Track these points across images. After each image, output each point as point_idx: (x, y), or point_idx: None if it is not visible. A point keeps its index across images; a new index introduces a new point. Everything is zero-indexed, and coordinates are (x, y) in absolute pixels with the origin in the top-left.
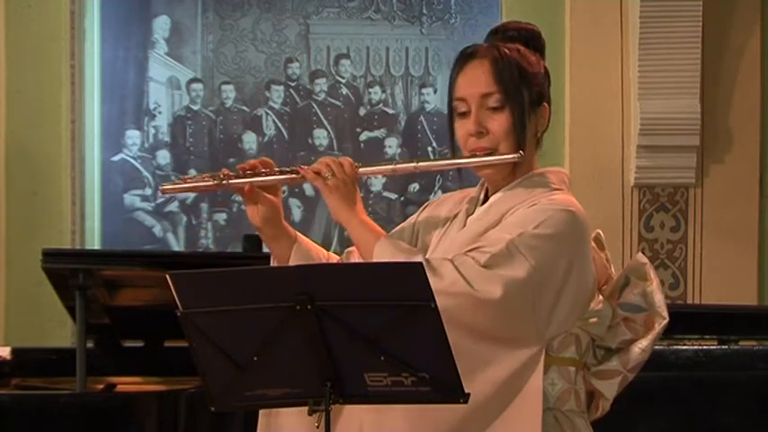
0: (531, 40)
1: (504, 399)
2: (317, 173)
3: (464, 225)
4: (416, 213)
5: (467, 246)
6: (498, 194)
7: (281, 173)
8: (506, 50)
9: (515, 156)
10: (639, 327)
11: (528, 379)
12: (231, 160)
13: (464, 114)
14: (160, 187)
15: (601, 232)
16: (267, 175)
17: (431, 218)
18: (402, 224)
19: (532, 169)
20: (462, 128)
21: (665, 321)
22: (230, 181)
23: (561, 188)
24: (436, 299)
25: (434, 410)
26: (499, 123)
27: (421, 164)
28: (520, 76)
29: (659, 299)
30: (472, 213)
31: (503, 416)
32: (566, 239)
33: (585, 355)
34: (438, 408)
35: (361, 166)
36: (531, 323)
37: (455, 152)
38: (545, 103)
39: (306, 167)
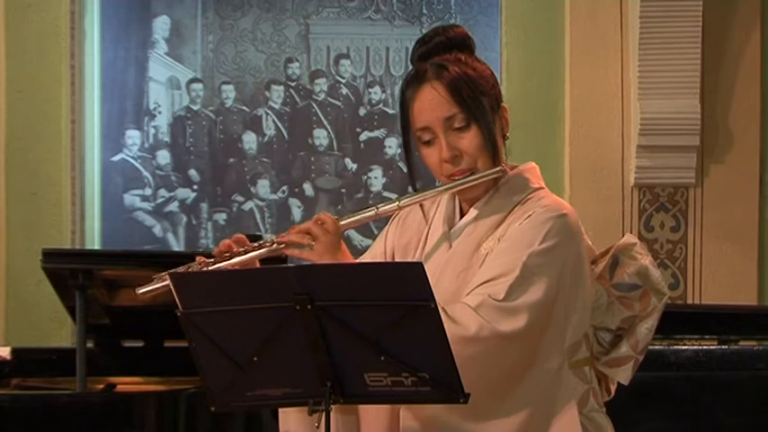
0: (462, 43)
1: (542, 422)
2: (298, 243)
3: (450, 244)
4: (383, 232)
5: (464, 267)
6: (479, 206)
7: (261, 246)
8: (454, 67)
9: (498, 170)
10: (635, 302)
11: (558, 391)
12: (231, 160)
13: (429, 142)
14: (137, 290)
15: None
16: (246, 253)
17: (401, 237)
18: (372, 248)
19: (505, 173)
20: (433, 155)
21: (666, 297)
22: (209, 269)
23: (540, 185)
24: (462, 348)
25: None
26: (470, 142)
27: (404, 201)
28: (475, 87)
29: (656, 275)
30: (452, 228)
31: None
32: (567, 246)
33: (591, 347)
34: None
35: (342, 219)
36: (553, 337)
37: (414, 180)
38: (503, 105)
39: (286, 237)
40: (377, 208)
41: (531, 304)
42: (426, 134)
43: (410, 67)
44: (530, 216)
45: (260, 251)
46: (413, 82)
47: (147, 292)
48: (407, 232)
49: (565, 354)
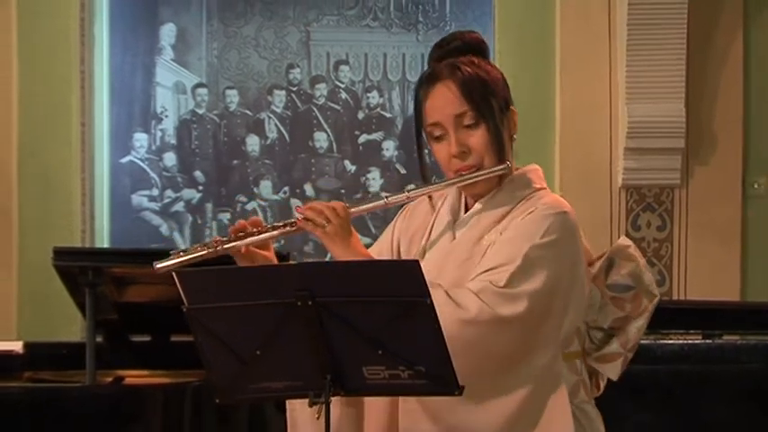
0: (476, 48)
1: (535, 408)
2: (312, 221)
3: (453, 236)
4: (391, 224)
5: (466, 257)
6: (484, 201)
7: (274, 228)
8: (467, 68)
9: (503, 167)
10: (628, 304)
11: (552, 379)
12: (235, 162)
13: (440, 138)
14: (154, 265)
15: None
16: (261, 233)
17: (408, 228)
18: (380, 240)
19: (510, 173)
20: (442, 150)
21: (657, 298)
22: (224, 246)
23: (543, 186)
24: (462, 330)
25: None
26: (478, 139)
27: (413, 192)
28: (485, 88)
29: (648, 277)
30: (456, 220)
31: (538, 426)
32: (566, 242)
33: (583, 342)
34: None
35: (352, 207)
36: (549, 329)
37: (425, 174)
38: (512, 108)
39: (300, 217)
40: (386, 198)
41: (531, 292)
42: (437, 130)
43: (406, 73)
44: (531, 212)
45: (274, 232)
46: (427, 80)
47: (163, 267)
48: (414, 223)
49: (559, 345)
